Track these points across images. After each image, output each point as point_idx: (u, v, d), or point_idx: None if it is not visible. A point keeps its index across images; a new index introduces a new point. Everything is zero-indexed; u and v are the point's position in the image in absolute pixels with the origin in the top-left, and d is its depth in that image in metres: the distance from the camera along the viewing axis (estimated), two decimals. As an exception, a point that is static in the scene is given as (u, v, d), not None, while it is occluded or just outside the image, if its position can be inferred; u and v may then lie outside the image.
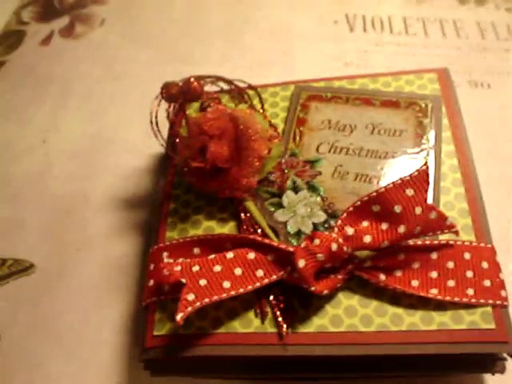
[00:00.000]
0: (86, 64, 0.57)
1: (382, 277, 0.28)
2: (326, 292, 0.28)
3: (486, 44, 0.54)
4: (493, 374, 0.30)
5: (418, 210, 0.27)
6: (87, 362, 0.35)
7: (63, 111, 0.52)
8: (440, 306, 0.28)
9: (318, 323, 0.28)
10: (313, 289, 0.27)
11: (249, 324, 0.29)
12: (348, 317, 0.28)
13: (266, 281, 0.28)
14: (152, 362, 0.31)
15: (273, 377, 0.32)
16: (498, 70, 0.51)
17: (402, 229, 0.27)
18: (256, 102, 0.38)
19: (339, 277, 0.28)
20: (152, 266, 0.32)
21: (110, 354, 0.35)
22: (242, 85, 0.39)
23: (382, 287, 0.29)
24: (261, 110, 0.37)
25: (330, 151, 0.34)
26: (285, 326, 0.28)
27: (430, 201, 0.31)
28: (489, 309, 0.28)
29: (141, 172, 0.46)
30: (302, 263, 0.27)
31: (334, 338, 0.28)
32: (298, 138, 0.35)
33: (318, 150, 0.34)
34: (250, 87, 0.38)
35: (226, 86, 0.39)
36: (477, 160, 0.33)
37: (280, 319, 0.29)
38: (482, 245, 0.30)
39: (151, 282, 0.31)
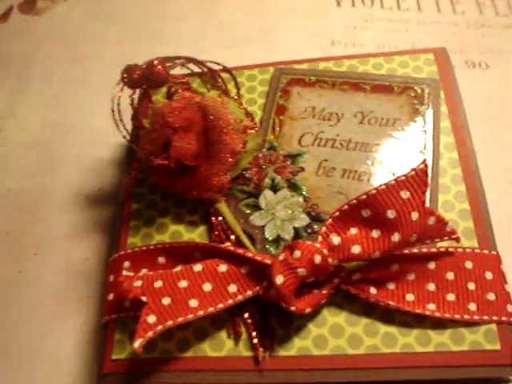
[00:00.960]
0: (48, 43, 0.51)
1: (373, 290, 0.25)
2: (308, 311, 0.24)
3: (484, 20, 0.49)
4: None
5: (415, 216, 0.23)
6: None
7: (21, 96, 0.47)
8: (438, 323, 0.25)
9: (299, 345, 0.25)
10: (293, 309, 0.23)
11: (220, 346, 0.25)
12: (334, 337, 0.25)
13: (240, 297, 0.25)
14: (114, 386, 0.27)
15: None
16: (497, 48, 0.47)
17: (395, 237, 0.23)
18: (231, 86, 0.34)
19: (324, 292, 0.25)
20: (112, 278, 0.28)
21: (68, 374, 0.31)
22: (215, 67, 0.34)
23: (372, 303, 0.25)
24: (236, 97, 0.33)
25: (313, 143, 0.30)
26: (261, 348, 0.25)
27: (427, 202, 0.27)
28: (493, 326, 0.25)
29: (107, 164, 0.41)
30: (280, 279, 0.23)
31: (319, 362, 0.24)
32: (277, 128, 0.31)
33: (300, 142, 0.30)
34: (225, 70, 0.34)
35: (197, 69, 0.34)
36: (474, 147, 0.30)
37: (256, 341, 0.25)
38: (486, 252, 0.26)
39: (111, 296, 0.27)
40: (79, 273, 0.35)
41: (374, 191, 0.24)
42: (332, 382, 0.24)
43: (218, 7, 0.53)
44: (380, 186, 0.24)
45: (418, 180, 0.24)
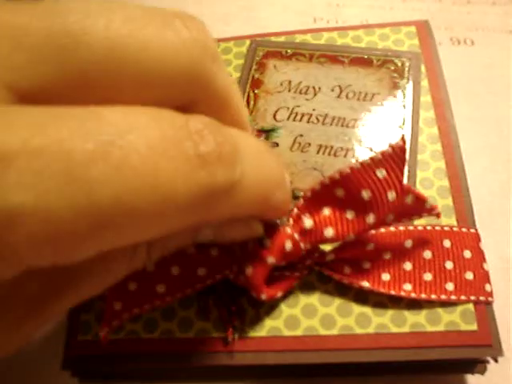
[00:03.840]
0: None
1: (347, 270, 0.24)
2: (279, 295, 0.23)
3: (470, -3, 0.48)
4: (472, 374, 0.26)
5: (392, 196, 0.22)
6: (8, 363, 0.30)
7: None
8: (414, 303, 0.24)
9: (270, 325, 0.24)
10: (263, 297, 0.22)
11: (189, 327, 0.24)
12: (306, 317, 0.24)
13: (209, 282, 0.23)
14: (80, 369, 0.26)
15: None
16: (483, 25, 0.46)
17: (370, 218, 0.22)
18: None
19: (296, 274, 0.24)
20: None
21: (32, 357, 0.30)
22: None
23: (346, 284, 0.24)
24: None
25: (289, 118, 0.29)
26: (231, 329, 0.24)
27: (405, 179, 0.26)
28: (470, 306, 0.24)
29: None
30: (249, 271, 0.22)
31: (290, 342, 0.23)
32: (252, 102, 0.30)
33: (275, 116, 0.29)
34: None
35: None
36: (458, 126, 0.29)
37: (226, 321, 0.24)
38: (464, 230, 0.25)
39: (76, 276, 0.26)
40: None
41: (348, 170, 0.22)
42: (303, 363, 0.23)
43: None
44: (355, 164, 0.22)
45: (396, 157, 0.22)
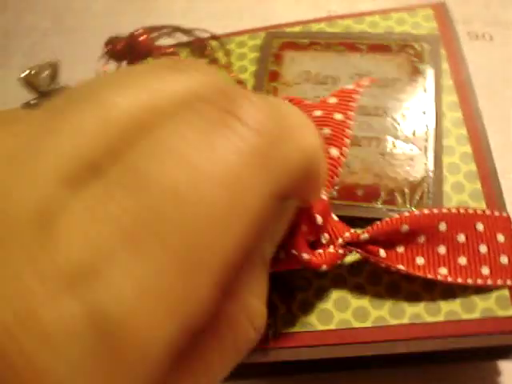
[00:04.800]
0: (32, 15, 0.49)
1: (383, 253, 0.23)
2: (324, 267, 0.22)
3: (488, -9, 0.47)
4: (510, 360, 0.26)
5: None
6: None
7: (3, 71, 0.45)
8: (447, 292, 0.23)
9: (303, 321, 0.24)
10: (305, 256, 0.20)
11: (221, 326, 0.24)
12: (339, 311, 0.24)
13: None
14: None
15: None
16: (501, 20, 0.44)
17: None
18: (221, 54, 0.32)
19: (340, 251, 0.22)
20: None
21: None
22: (204, 35, 0.32)
23: (378, 273, 0.24)
24: (226, 65, 0.31)
25: (309, 110, 0.28)
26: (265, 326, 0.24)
27: (431, 164, 0.26)
28: (505, 292, 0.23)
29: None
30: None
31: (324, 337, 0.23)
32: (271, 95, 0.30)
33: (295, 109, 0.29)
34: (213, 37, 0.32)
35: (185, 38, 0.33)
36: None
37: (258, 318, 0.24)
38: (497, 213, 0.25)
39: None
40: None
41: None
42: (338, 357, 0.23)
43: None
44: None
45: None
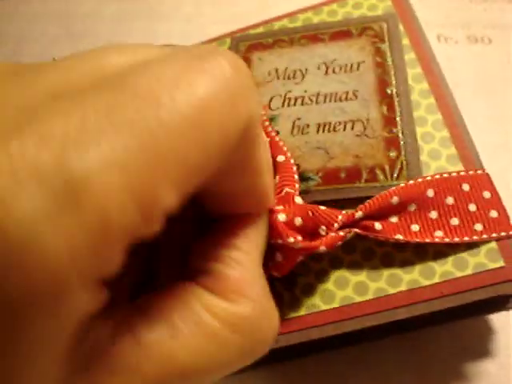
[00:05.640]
0: (42, 21, 0.50)
1: (378, 226, 0.24)
2: (322, 248, 0.23)
3: (486, -7, 0.47)
4: (508, 311, 0.27)
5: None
6: None
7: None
8: (439, 254, 0.25)
9: (307, 303, 0.25)
10: (291, 240, 0.22)
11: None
12: (340, 289, 0.25)
13: None
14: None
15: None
16: (500, 23, 0.45)
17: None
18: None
19: (341, 233, 0.24)
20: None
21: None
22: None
23: (371, 247, 0.25)
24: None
25: (283, 105, 0.30)
26: (272, 314, 0.25)
27: (405, 137, 0.27)
28: (493, 245, 0.25)
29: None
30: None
31: (329, 315, 0.25)
32: (245, 97, 0.31)
33: (269, 106, 0.30)
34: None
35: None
36: (476, 125, 0.29)
37: (265, 308, 0.25)
38: (480, 172, 0.26)
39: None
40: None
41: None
42: (345, 331, 0.24)
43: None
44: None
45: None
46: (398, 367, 0.29)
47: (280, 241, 0.21)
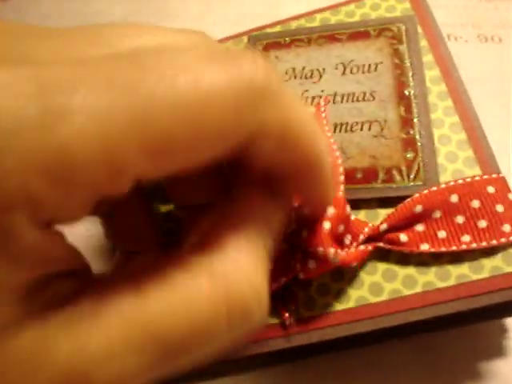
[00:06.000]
0: (52, 21, 0.50)
1: (404, 238, 0.24)
2: (354, 264, 0.23)
3: (496, -8, 0.47)
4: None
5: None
6: None
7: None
8: (455, 257, 0.25)
9: (322, 303, 0.25)
10: (331, 253, 0.21)
11: (246, 319, 0.25)
12: (355, 289, 0.25)
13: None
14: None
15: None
16: (511, 22, 0.44)
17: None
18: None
19: (369, 248, 0.24)
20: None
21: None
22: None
23: (386, 249, 0.25)
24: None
25: (300, 104, 0.30)
26: (287, 314, 0.25)
27: (422, 139, 0.27)
28: (510, 249, 0.24)
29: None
30: (305, 233, 0.22)
31: (343, 316, 0.25)
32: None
33: (286, 105, 0.30)
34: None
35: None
36: (486, 123, 0.28)
37: (281, 307, 0.25)
38: (494, 175, 0.26)
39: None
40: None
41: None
42: (359, 332, 0.24)
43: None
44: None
45: None
46: (409, 367, 0.29)
47: (321, 249, 0.21)
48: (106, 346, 0.13)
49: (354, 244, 0.24)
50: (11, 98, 0.11)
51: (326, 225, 0.21)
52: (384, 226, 0.24)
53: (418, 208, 0.25)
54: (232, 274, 0.15)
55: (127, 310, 0.13)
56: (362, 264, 0.24)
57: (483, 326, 0.30)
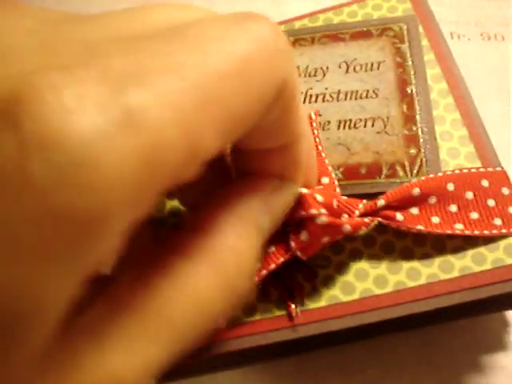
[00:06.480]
0: None
1: (400, 217, 0.25)
2: (348, 228, 0.23)
3: (499, -10, 0.47)
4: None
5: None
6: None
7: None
8: (458, 249, 0.25)
9: (328, 294, 0.25)
10: (348, 227, 0.23)
11: (253, 311, 0.26)
12: (360, 281, 0.25)
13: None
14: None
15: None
16: None
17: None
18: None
19: (365, 220, 0.24)
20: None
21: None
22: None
23: (390, 241, 0.26)
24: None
25: (304, 102, 0.30)
26: (293, 305, 0.25)
27: (425, 135, 0.28)
28: (511, 241, 0.25)
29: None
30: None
31: (349, 307, 0.25)
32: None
33: (291, 103, 0.30)
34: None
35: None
36: (488, 121, 0.29)
37: (286, 299, 0.26)
38: (499, 169, 0.26)
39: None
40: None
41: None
42: (364, 323, 0.25)
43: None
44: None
45: None
46: (412, 361, 0.30)
47: (303, 212, 0.22)
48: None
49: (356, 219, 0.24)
50: (92, 109, 0.10)
51: (319, 197, 0.22)
52: (381, 202, 0.25)
53: (416, 191, 0.25)
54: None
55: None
56: (355, 231, 0.24)
57: (485, 319, 0.30)
